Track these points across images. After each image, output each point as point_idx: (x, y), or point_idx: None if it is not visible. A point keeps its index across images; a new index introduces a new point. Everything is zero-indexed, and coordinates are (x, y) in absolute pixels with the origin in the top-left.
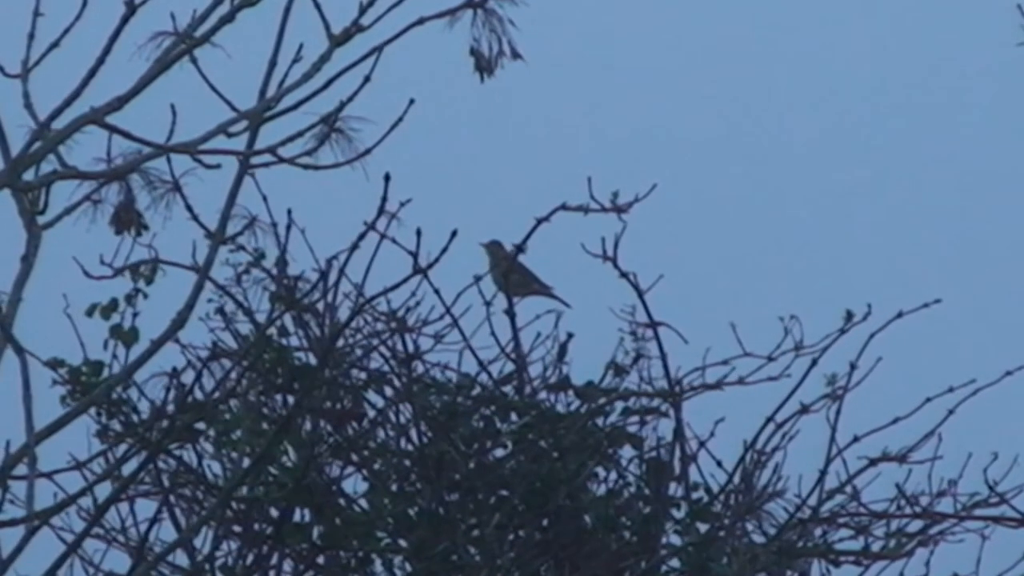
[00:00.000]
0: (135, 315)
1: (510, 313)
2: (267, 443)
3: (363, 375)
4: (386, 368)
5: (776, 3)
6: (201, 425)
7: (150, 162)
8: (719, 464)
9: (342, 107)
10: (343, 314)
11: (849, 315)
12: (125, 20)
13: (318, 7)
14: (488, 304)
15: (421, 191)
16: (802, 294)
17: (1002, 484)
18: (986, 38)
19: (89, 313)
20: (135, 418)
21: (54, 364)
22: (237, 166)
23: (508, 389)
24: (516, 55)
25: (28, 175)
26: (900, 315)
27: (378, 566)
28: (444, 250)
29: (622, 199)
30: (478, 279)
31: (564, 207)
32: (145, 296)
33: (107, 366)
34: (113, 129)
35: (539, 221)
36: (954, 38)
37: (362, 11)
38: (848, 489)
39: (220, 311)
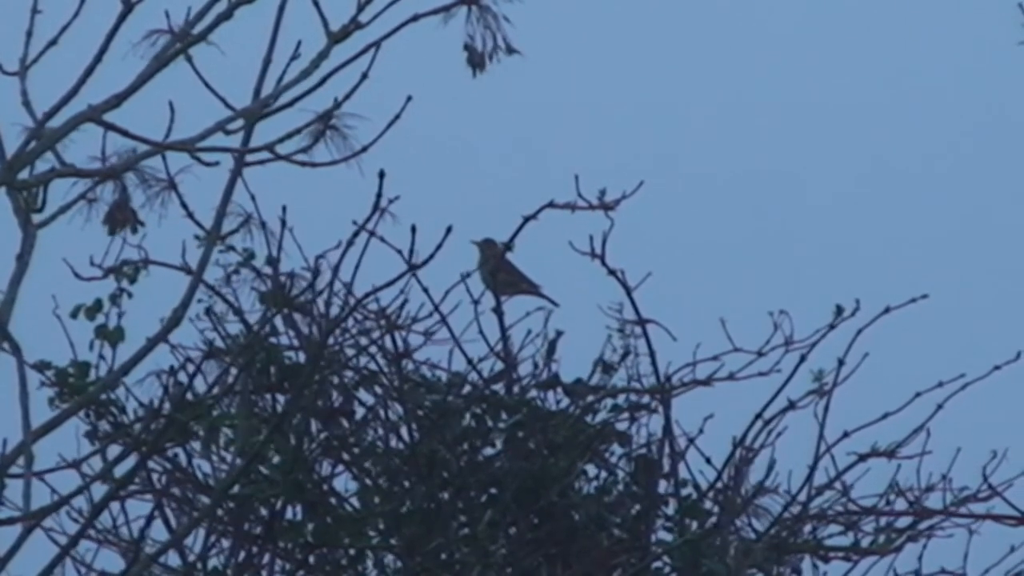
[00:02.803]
0: (120, 315)
1: (498, 312)
2: (260, 442)
3: (354, 374)
4: (376, 367)
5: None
6: (193, 425)
7: (146, 160)
8: (708, 461)
9: (339, 104)
10: (334, 313)
11: (839, 310)
12: (122, 18)
13: (317, 5)
14: (477, 303)
15: (413, 187)
16: (791, 289)
17: (991, 478)
18: (986, 38)
19: (74, 315)
20: (125, 419)
21: (41, 367)
22: (232, 164)
23: (498, 387)
24: (511, 51)
25: (24, 173)
26: (888, 310)
27: (370, 564)
28: (438, 247)
29: (609, 196)
30: (465, 276)
31: (551, 205)
32: (130, 296)
33: (94, 367)
34: (111, 127)
35: (526, 219)
36: (952, 38)
37: (360, 8)
38: (837, 485)
39: (208, 312)
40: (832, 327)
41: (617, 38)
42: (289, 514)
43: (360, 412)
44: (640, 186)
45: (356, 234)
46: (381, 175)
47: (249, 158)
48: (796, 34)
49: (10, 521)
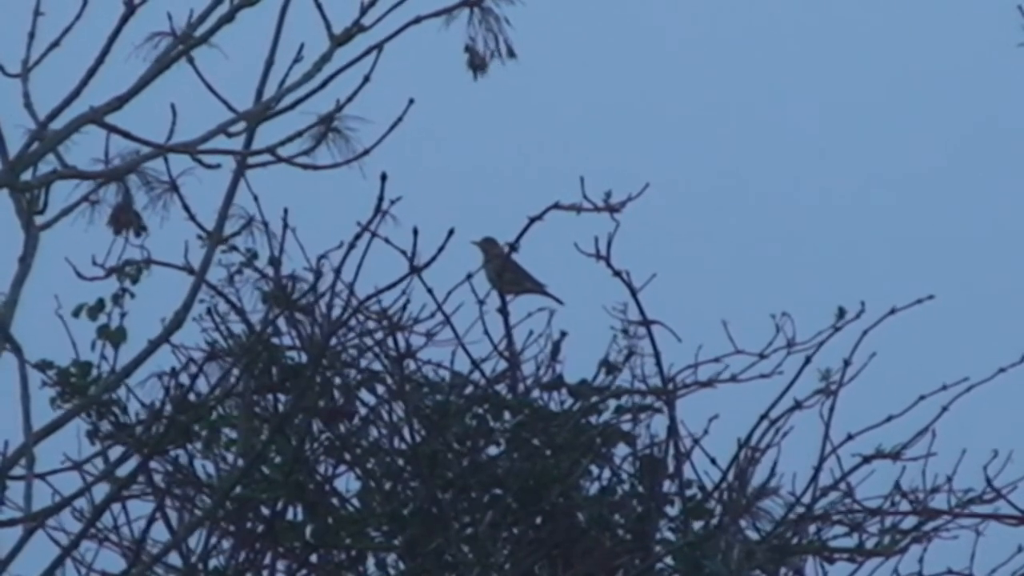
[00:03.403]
0: (123, 315)
1: (503, 311)
2: (261, 443)
3: (356, 374)
4: (378, 367)
5: None
6: (195, 425)
7: (148, 162)
8: (713, 462)
9: (341, 107)
10: (336, 313)
11: (841, 312)
12: (125, 20)
13: (319, 7)
14: (481, 302)
15: (415, 189)
16: (794, 291)
17: (996, 480)
18: (985, 37)
19: (75, 314)
20: (127, 419)
21: (43, 366)
22: (234, 166)
23: (501, 387)
24: (511, 54)
25: (26, 175)
26: (893, 311)
27: (371, 565)
28: (440, 249)
29: (615, 198)
30: (470, 276)
31: (557, 206)
32: (132, 296)
33: (95, 367)
34: (113, 129)
35: (532, 220)
36: (955, 39)
37: (363, 11)
38: (842, 486)
39: (210, 312)
40: (836, 329)
41: (620, 40)
42: (290, 514)
43: (362, 412)
44: (645, 188)
45: (358, 235)
46: (383, 177)
47: (251, 160)
48: (800, 36)
49: (12, 523)
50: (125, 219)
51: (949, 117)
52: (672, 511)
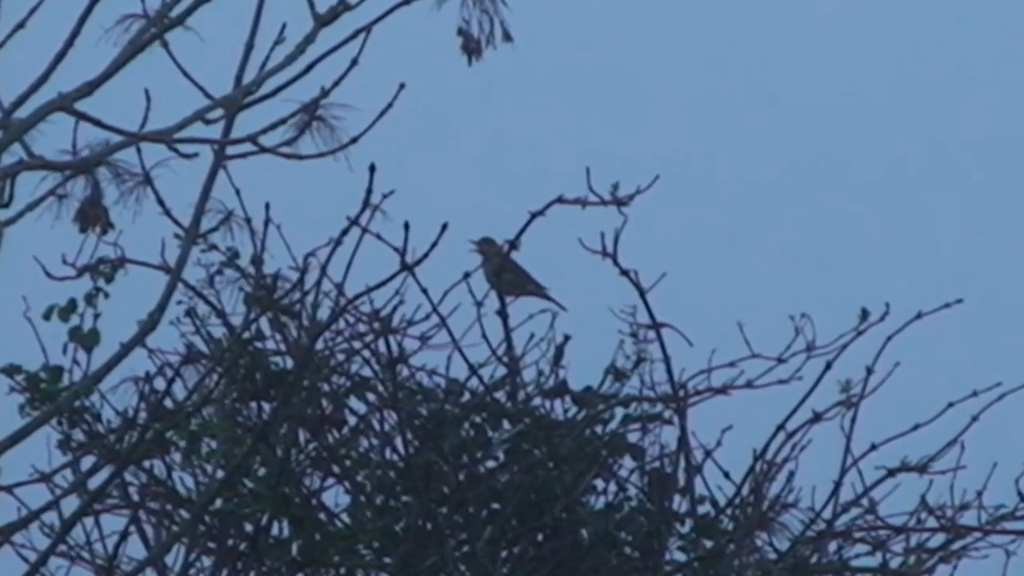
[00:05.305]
0: (96, 316)
1: (502, 314)
2: (243, 453)
3: (345, 380)
4: (369, 372)
5: None
6: (171, 434)
7: (120, 153)
8: (727, 475)
9: (328, 92)
10: (324, 315)
11: (864, 313)
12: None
13: None
14: (479, 304)
15: (406, 181)
16: (814, 292)
17: None
18: (989, 34)
19: (46, 316)
20: (99, 427)
21: (10, 371)
22: (211, 158)
23: (500, 395)
24: (508, 37)
25: None
26: (919, 316)
27: None
28: (433, 245)
29: (622, 191)
30: (467, 276)
31: (560, 200)
32: (106, 296)
33: (67, 371)
34: (83, 116)
35: (533, 215)
36: (984, 42)
37: None
38: (865, 501)
39: (189, 313)
40: (859, 332)
41: (631, 31)
42: (275, 530)
43: (352, 421)
44: (655, 181)
45: (346, 231)
46: (372, 169)
47: (231, 150)
48: (825, 28)
49: None
50: (92, 215)
51: (978, 115)
52: (683, 529)
